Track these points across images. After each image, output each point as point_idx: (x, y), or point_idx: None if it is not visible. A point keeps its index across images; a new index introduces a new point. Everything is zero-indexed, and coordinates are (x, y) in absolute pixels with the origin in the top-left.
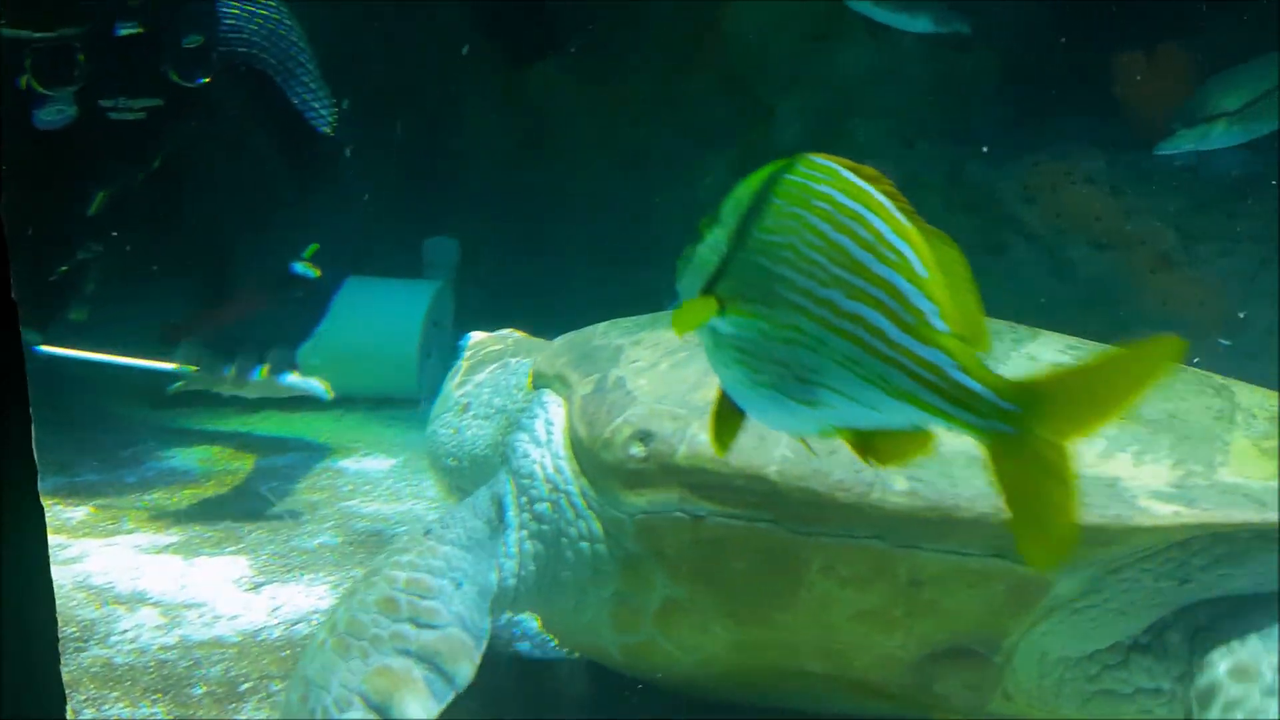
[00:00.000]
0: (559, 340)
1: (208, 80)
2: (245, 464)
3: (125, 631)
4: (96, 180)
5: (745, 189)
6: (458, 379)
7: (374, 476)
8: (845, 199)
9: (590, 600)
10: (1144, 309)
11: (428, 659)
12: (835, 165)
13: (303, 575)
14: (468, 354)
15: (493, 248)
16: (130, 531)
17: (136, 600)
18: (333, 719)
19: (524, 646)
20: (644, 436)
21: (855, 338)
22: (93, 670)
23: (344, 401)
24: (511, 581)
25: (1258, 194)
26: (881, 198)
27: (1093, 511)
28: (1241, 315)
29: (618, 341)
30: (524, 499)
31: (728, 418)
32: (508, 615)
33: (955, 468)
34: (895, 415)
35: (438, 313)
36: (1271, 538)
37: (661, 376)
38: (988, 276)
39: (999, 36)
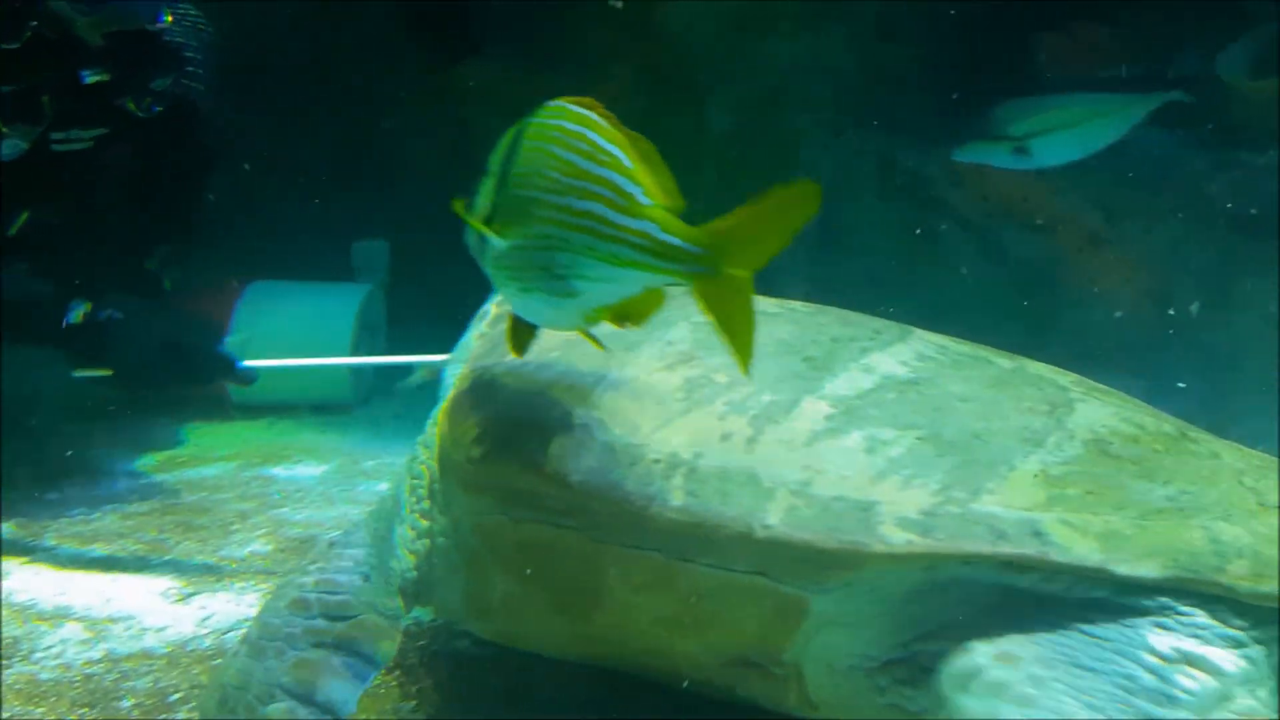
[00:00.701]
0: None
1: (161, 109)
2: (173, 475)
3: (50, 647)
4: (23, 203)
5: (503, 140)
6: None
7: (306, 483)
8: (571, 124)
9: (455, 592)
10: (1074, 286)
11: (345, 646)
12: (564, 103)
13: (233, 584)
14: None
15: (425, 249)
16: (53, 547)
17: (61, 616)
18: (257, 716)
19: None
20: (482, 439)
21: (589, 229)
22: (16, 686)
23: (276, 409)
24: (412, 575)
25: (1178, 169)
26: (596, 117)
27: (831, 536)
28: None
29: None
30: (412, 498)
31: (519, 330)
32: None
33: (732, 485)
34: (630, 283)
35: (369, 316)
36: (1019, 565)
37: (526, 375)
38: (921, 262)
39: (923, 24)
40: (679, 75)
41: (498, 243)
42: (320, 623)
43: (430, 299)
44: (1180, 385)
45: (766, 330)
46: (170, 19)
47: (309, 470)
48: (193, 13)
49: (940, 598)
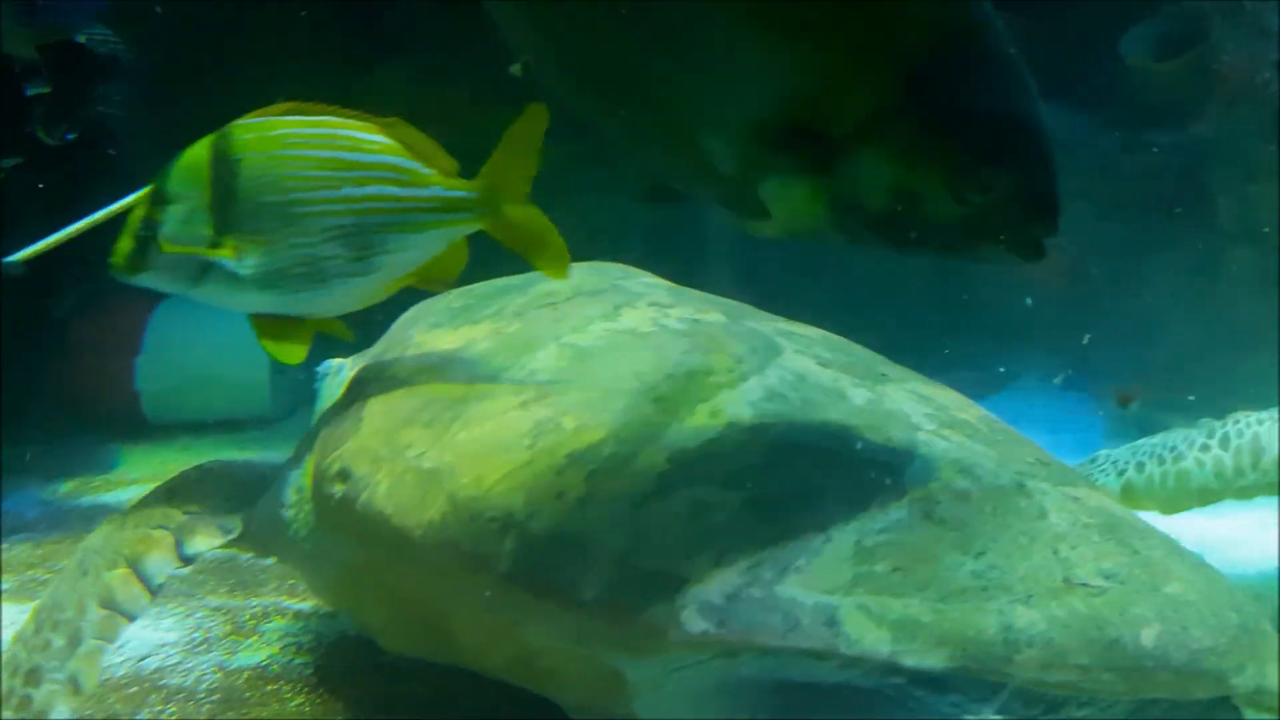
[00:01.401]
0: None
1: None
2: (88, 500)
3: None
4: None
5: (191, 163)
6: None
7: None
8: (314, 129)
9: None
10: (991, 268)
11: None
12: (285, 110)
13: (149, 609)
14: None
15: None
16: None
17: None
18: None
19: None
20: (345, 475)
21: (382, 209)
22: None
23: (191, 428)
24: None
25: (1089, 150)
26: (341, 117)
27: (637, 617)
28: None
29: (413, 333)
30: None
31: (285, 331)
32: None
33: (558, 551)
34: (431, 244)
35: None
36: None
37: (398, 399)
38: (843, 251)
39: None
40: (594, 79)
41: (242, 263)
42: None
43: (353, 312)
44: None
45: (628, 359)
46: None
47: None
48: (103, 31)
49: (746, 690)
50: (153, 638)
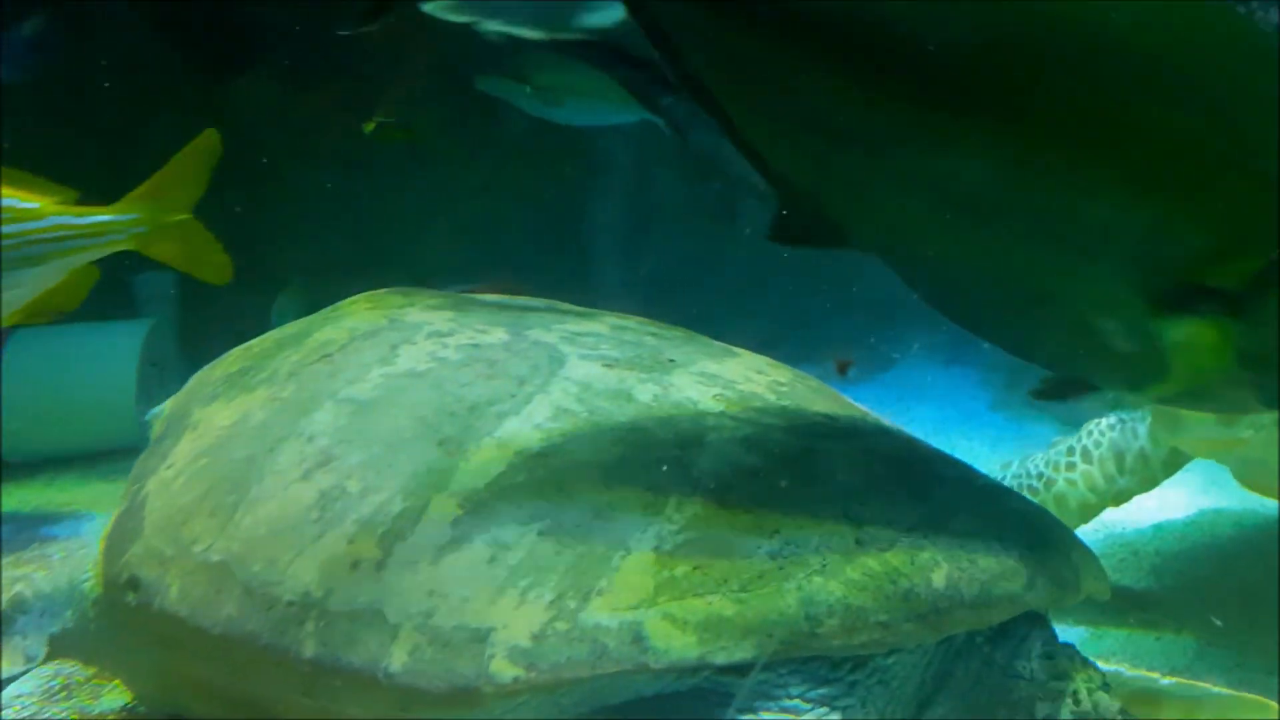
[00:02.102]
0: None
1: None
2: None
3: None
4: None
5: None
6: None
7: (92, 538)
8: None
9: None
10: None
11: None
12: None
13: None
14: None
15: None
16: None
17: None
18: None
19: None
20: (134, 584)
21: None
22: None
23: (55, 462)
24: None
25: None
26: None
27: (447, 678)
28: None
29: (192, 409)
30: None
31: None
32: None
33: (360, 625)
34: (49, 274)
35: (155, 352)
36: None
37: (179, 489)
38: (728, 240)
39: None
40: (469, 73)
41: None
42: None
43: (227, 328)
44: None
45: (408, 404)
46: None
47: (96, 525)
48: None
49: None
50: (9, 690)
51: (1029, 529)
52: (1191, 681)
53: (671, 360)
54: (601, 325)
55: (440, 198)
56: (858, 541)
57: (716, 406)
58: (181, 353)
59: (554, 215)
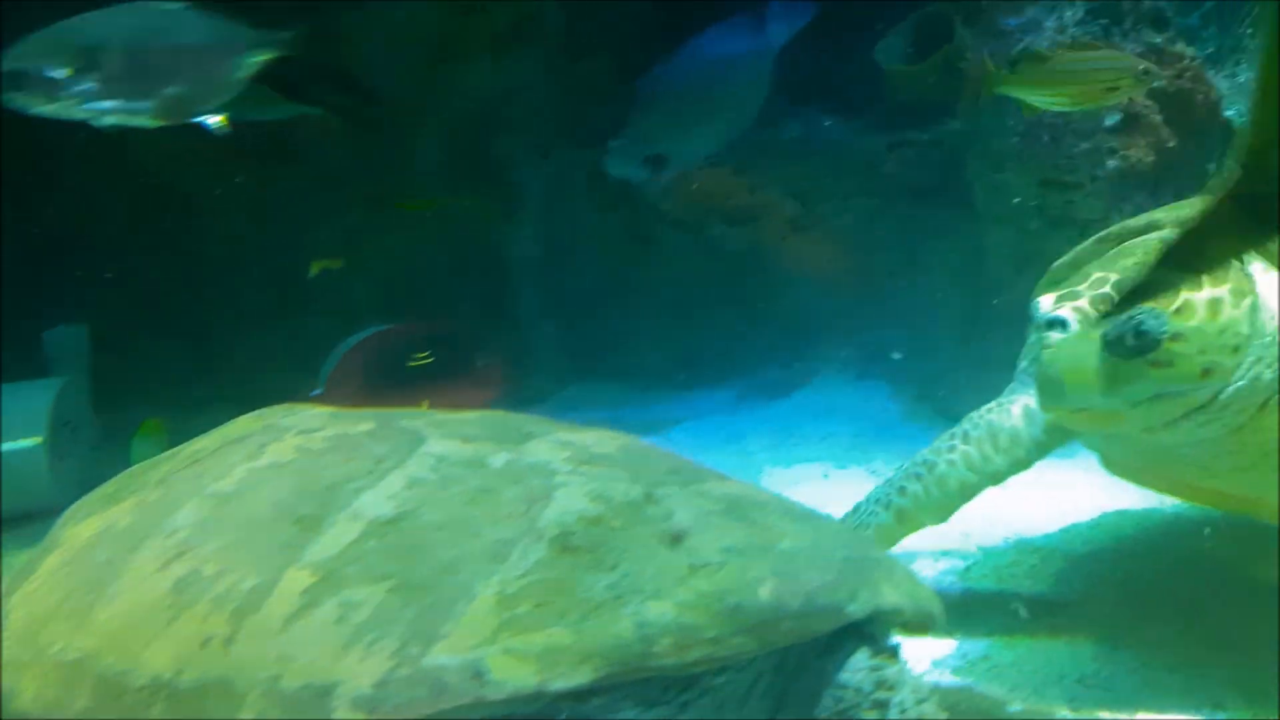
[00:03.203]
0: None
1: None
2: None
3: None
4: None
5: None
6: None
7: None
8: None
9: None
10: (785, 271)
11: None
12: None
13: None
14: None
15: (127, 330)
16: None
17: None
18: None
19: None
20: None
21: None
22: None
23: None
24: None
25: (858, 152)
26: None
27: None
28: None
29: (62, 533)
30: None
31: None
32: None
33: (209, 699)
34: None
35: (68, 411)
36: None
37: (40, 598)
38: (643, 266)
39: (609, 38)
40: (380, 113)
41: None
42: None
43: (142, 385)
44: (895, 356)
45: (269, 491)
46: None
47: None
48: None
49: None
50: None
51: (850, 548)
52: (1042, 707)
53: (530, 433)
54: (473, 415)
55: (356, 234)
56: (690, 567)
57: (566, 466)
58: (96, 411)
59: (470, 248)
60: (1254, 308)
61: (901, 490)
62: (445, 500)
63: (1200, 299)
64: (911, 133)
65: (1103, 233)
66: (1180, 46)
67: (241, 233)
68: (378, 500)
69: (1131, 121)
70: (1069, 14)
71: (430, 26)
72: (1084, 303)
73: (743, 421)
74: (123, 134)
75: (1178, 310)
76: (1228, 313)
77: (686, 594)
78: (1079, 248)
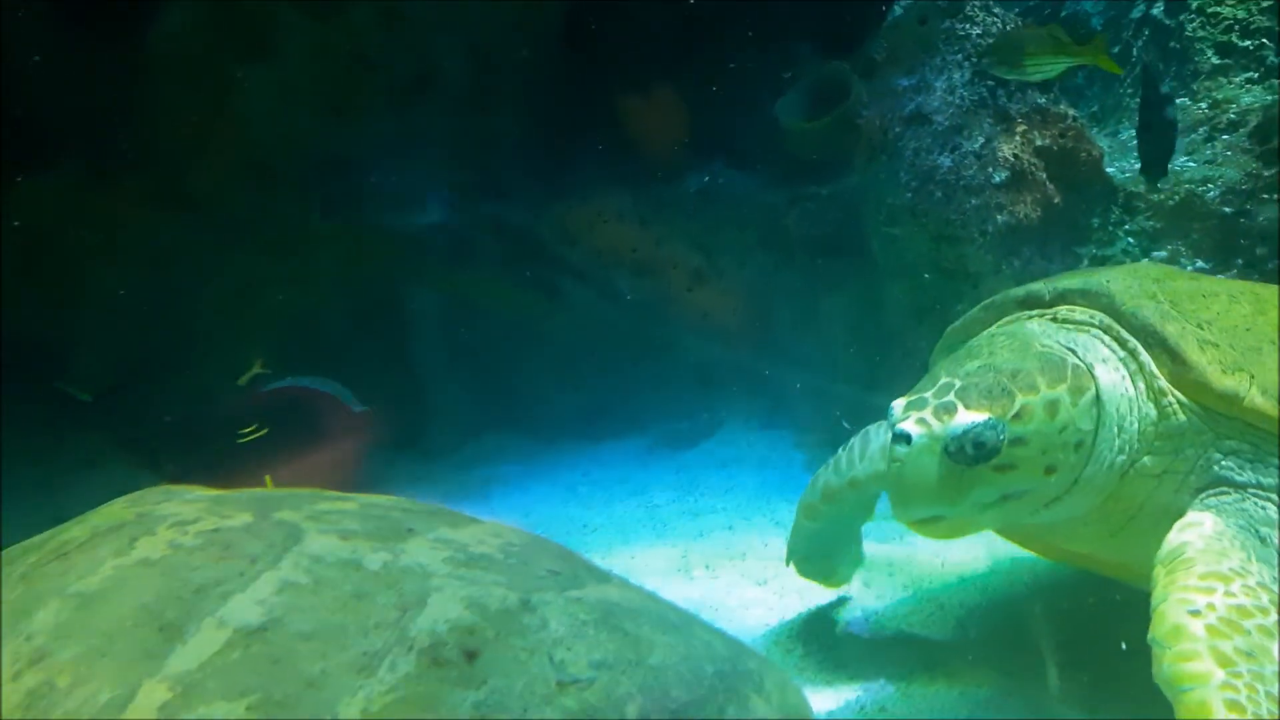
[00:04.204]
0: None
1: None
2: None
3: None
4: None
5: None
6: None
7: None
8: None
9: None
10: (690, 322)
11: None
12: None
13: None
14: None
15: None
16: None
17: None
18: None
19: None
20: None
21: None
22: None
23: None
24: None
25: (759, 206)
26: None
27: None
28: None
29: None
30: None
31: None
32: None
33: None
34: None
35: None
36: None
37: None
38: (549, 317)
39: (514, 91)
40: (274, 169)
41: None
42: None
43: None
44: (845, 425)
45: (134, 593)
46: None
47: None
48: None
49: None
50: None
51: (721, 661)
52: None
53: (411, 529)
54: (352, 504)
55: (252, 291)
56: (560, 684)
57: (444, 569)
58: None
59: (371, 302)
60: (1095, 402)
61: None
62: (316, 607)
63: (1037, 402)
64: (811, 187)
65: (989, 300)
66: (1063, 107)
67: (132, 283)
68: (246, 606)
69: (1019, 178)
70: (958, 75)
71: (331, 76)
72: (928, 413)
73: (649, 473)
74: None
75: (1016, 415)
76: (1067, 412)
77: (553, 714)
78: (968, 314)
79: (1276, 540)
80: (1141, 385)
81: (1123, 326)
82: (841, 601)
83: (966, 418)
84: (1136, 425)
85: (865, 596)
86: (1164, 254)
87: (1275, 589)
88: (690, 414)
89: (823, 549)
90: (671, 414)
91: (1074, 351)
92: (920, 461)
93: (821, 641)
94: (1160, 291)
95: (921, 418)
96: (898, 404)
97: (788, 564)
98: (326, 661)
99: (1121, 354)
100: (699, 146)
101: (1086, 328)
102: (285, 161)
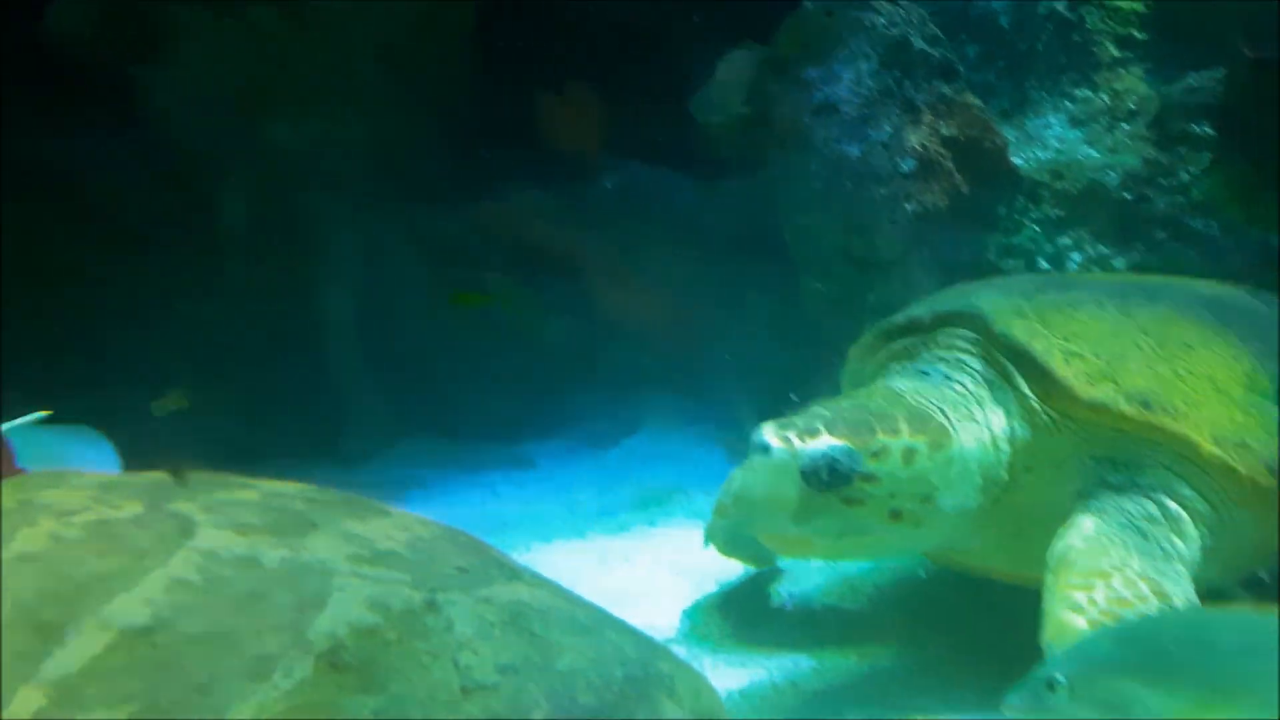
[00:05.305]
0: None
1: None
2: None
3: None
4: None
5: None
6: None
7: None
8: None
9: None
10: (609, 320)
11: None
12: None
13: None
14: None
15: None
16: None
17: None
18: None
19: None
20: None
21: None
22: None
23: None
24: None
25: (678, 203)
26: None
27: None
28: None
29: None
30: None
31: None
32: None
33: None
34: None
35: None
36: None
37: None
38: (470, 320)
39: (426, 90)
40: (179, 171)
41: None
42: None
43: None
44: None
45: (10, 589)
46: None
47: None
48: None
49: None
50: None
51: (632, 664)
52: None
53: (313, 524)
54: (254, 494)
55: (152, 302)
56: (463, 689)
57: (347, 566)
58: None
59: (281, 308)
60: (950, 461)
61: None
62: (208, 607)
63: (896, 445)
64: (727, 183)
65: (879, 325)
66: (968, 97)
67: (28, 303)
68: (132, 606)
69: (927, 168)
70: (865, 65)
71: (236, 77)
72: (792, 433)
73: (571, 472)
74: None
75: (875, 453)
76: (921, 463)
77: None
78: (861, 340)
79: (1158, 532)
80: (1016, 407)
81: (994, 347)
82: (757, 584)
83: (827, 441)
84: (1005, 473)
85: (782, 578)
86: (1069, 240)
87: (1156, 578)
88: (613, 413)
89: (741, 537)
90: (594, 413)
91: (944, 411)
92: (775, 475)
93: (737, 623)
94: (1029, 307)
95: (785, 435)
96: (767, 427)
97: (705, 546)
98: (217, 666)
99: (995, 379)
100: (615, 144)
101: (963, 355)
102: (187, 166)
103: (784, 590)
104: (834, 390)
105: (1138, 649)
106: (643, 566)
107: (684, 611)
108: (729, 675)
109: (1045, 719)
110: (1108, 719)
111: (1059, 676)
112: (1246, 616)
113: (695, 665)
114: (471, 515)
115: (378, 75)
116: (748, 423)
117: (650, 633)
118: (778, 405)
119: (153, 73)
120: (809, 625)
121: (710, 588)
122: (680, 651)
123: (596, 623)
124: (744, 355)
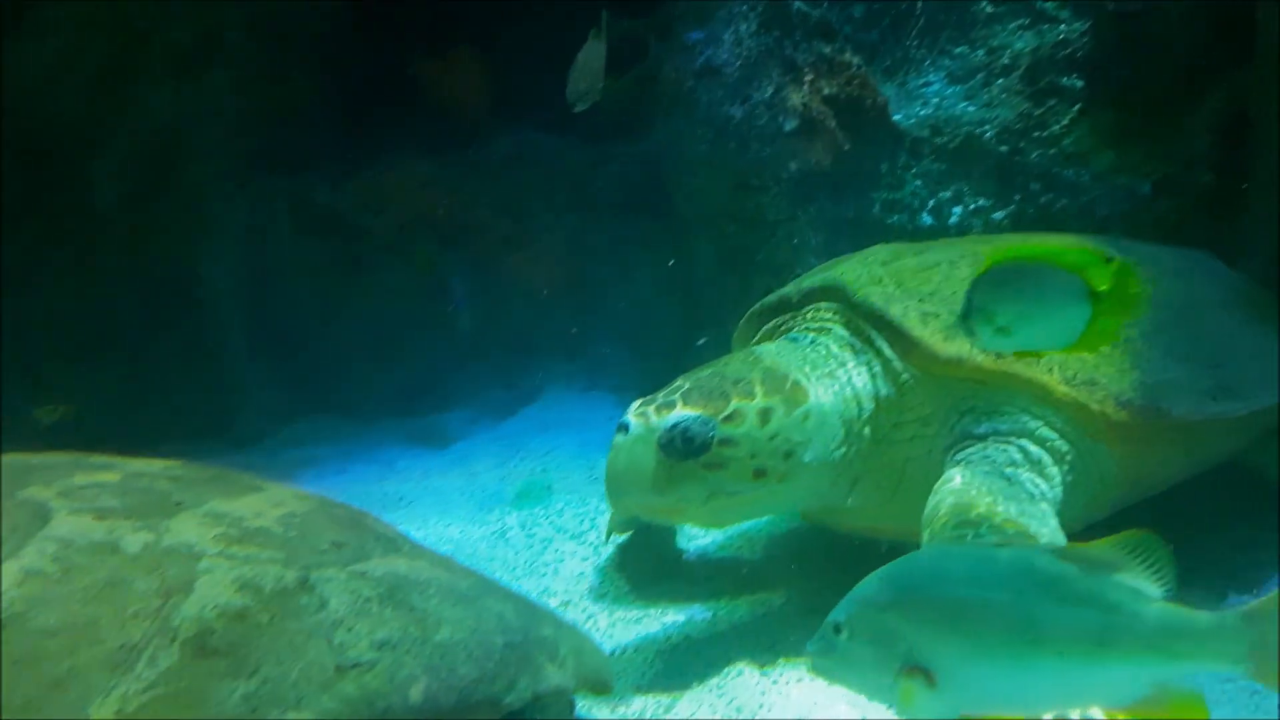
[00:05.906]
0: None
1: None
2: None
3: None
4: None
5: None
6: None
7: None
8: None
9: None
10: (503, 289)
11: None
12: None
13: None
14: None
15: None
16: None
17: None
18: None
19: None
20: None
21: None
22: None
23: None
24: None
25: (567, 167)
26: None
27: None
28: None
29: None
30: None
31: None
32: None
33: None
34: None
35: None
36: None
37: None
38: (357, 293)
39: (307, 59)
40: (44, 148)
41: None
42: None
43: None
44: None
45: None
46: None
47: None
48: None
49: None
50: None
51: (513, 632)
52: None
53: (179, 504)
54: (115, 475)
55: (35, 279)
56: (339, 669)
57: (215, 548)
58: None
59: (164, 288)
60: (807, 415)
61: None
62: (65, 598)
63: (750, 407)
64: (616, 146)
65: (754, 307)
66: (848, 55)
67: None
68: None
69: (809, 126)
70: (744, 27)
71: (100, 49)
72: (651, 409)
73: (470, 443)
74: None
75: (728, 417)
76: (778, 421)
77: (331, 701)
78: (740, 322)
79: (1022, 475)
80: (879, 367)
81: (857, 315)
82: (655, 541)
83: (680, 412)
84: (868, 429)
85: (679, 535)
86: (949, 193)
87: (1022, 520)
88: (511, 382)
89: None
90: (492, 383)
91: (804, 370)
92: (635, 450)
93: (636, 580)
94: (886, 274)
95: (643, 411)
96: (635, 404)
97: (605, 543)
98: (75, 659)
99: (859, 343)
100: (503, 110)
101: (829, 324)
102: (55, 142)
103: (682, 545)
104: (725, 349)
105: (895, 585)
106: (541, 534)
107: (581, 574)
108: (625, 631)
109: (832, 660)
110: (880, 654)
111: (840, 618)
112: (989, 551)
113: (593, 625)
114: (369, 492)
115: (252, 43)
116: (642, 385)
117: (550, 597)
118: (672, 367)
119: (13, 46)
120: (706, 578)
121: (608, 550)
122: (579, 612)
123: (478, 591)
124: (638, 318)
